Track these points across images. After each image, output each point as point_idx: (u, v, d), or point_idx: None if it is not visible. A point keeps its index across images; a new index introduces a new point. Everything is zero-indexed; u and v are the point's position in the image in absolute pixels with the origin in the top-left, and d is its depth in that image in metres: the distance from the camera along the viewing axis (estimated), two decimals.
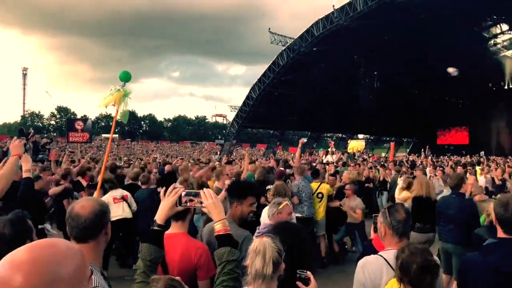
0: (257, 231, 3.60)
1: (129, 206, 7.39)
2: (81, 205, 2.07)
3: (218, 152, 44.21)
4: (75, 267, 1.12)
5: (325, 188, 8.05)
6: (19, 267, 1.04)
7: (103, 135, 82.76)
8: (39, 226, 6.84)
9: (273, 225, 3.07)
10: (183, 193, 2.18)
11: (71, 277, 1.11)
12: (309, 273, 2.47)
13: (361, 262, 2.75)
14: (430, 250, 2.37)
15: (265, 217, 3.93)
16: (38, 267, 1.05)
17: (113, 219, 7.13)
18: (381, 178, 13.08)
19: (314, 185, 7.96)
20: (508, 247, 2.43)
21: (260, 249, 2.13)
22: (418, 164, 19.59)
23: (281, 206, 3.50)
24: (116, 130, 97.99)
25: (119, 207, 7.27)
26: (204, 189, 2.22)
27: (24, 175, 4.02)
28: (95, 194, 6.02)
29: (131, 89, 5.34)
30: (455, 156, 34.07)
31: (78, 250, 1.19)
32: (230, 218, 3.20)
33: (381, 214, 2.87)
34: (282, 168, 8.96)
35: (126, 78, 5.49)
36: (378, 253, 2.76)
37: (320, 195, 7.88)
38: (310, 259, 2.82)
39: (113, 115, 5.54)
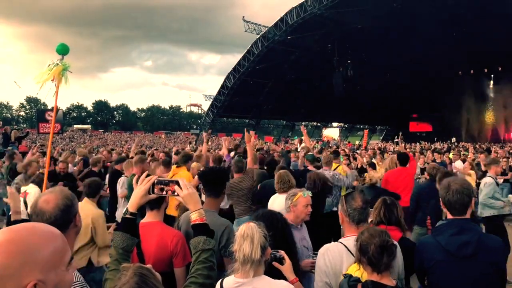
0: None
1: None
2: (44, 199, 1.97)
3: (194, 142, 43.95)
4: (52, 250, 1.13)
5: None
6: None
7: (75, 126, 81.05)
8: None
9: (255, 213, 3.07)
10: (156, 181, 2.15)
11: (46, 260, 1.11)
12: (282, 252, 2.51)
13: (322, 249, 2.78)
14: (388, 233, 2.42)
15: (274, 207, 3.89)
16: (13, 248, 1.06)
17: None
18: (359, 166, 13.21)
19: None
20: (455, 227, 2.58)
21: (248, 234, 2.14)
22: (389, 151, 19.91)
23: (295, 198, 3.36)
24: (88, 121, 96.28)
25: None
26: (179, 179, 2.19)
27: (13, 217, 3.15)
28: (43, 188, 5.64)
29: (69, 63, 4.88)
30: (426, 143, 34.83)
31: (58, 234, 1.19)
32: (211, 208, 3.18)
33: (340, 201, 2.92)
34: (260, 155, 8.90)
35: (64, 50, 5.03)
36: (339, 240, 2.81)
37: None
38: (292, 243, 2.86)
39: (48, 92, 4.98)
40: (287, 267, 2.51)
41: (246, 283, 2.15)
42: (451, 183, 2.62)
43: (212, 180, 3.30)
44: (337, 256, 2.67)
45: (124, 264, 1.78)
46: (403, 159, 7.16)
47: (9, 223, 3.54)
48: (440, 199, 2.70)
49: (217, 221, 3.08)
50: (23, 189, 6.13)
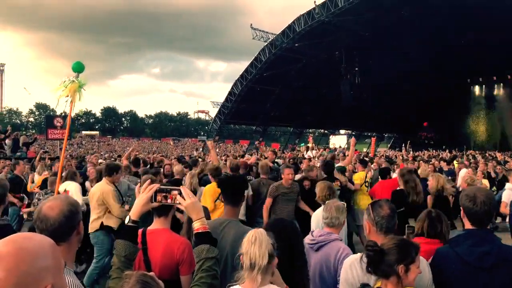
0: (310, 238, 3.44)
1: None
2: (49, 206, 1.95)
3: (201, 149, 44.04)
4: (55, 256, 1.19)
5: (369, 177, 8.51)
6: (1, 259, 1.08)
7: (84, 132, 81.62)
8: None
9: (269, 223, 3.01)
10: (158, 189, 2.15)
11: (54, 265, 1.17)
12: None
13: (348, 261, 2.68)
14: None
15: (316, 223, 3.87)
16: (20, 258, 1.09)
17: None
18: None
19: (362, 174, 8.40)
20: (474, 238, 2.50)
21: (256, 238, 2.07)
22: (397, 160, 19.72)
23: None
24: (97, 127, 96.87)
25: None
26: (181, 188, 2.19)
27: None
28: (55, 189, 5.73)
29: (85, 80, 5.07)
30: (434, 151, 34.59)
31: (52, 241, 1.24)
32: (229, 216, 3.14)
33: (365, 210, 2.83)
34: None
35: (79, 68, 5.19)
36: None
37: (367, 184, 8.25)
38: (300, 253, 2.82)
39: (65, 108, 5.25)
40: (275, 278, 2.44)
41: None
42: (476, 193, 2.51)
43: (230, 188, 3.23)
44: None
45: (127, 272, 1.77)
46: (383, 172, 8.09)
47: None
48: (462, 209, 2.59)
49: (245, 229, 3.05)
50: (62, 187, 6.24)
